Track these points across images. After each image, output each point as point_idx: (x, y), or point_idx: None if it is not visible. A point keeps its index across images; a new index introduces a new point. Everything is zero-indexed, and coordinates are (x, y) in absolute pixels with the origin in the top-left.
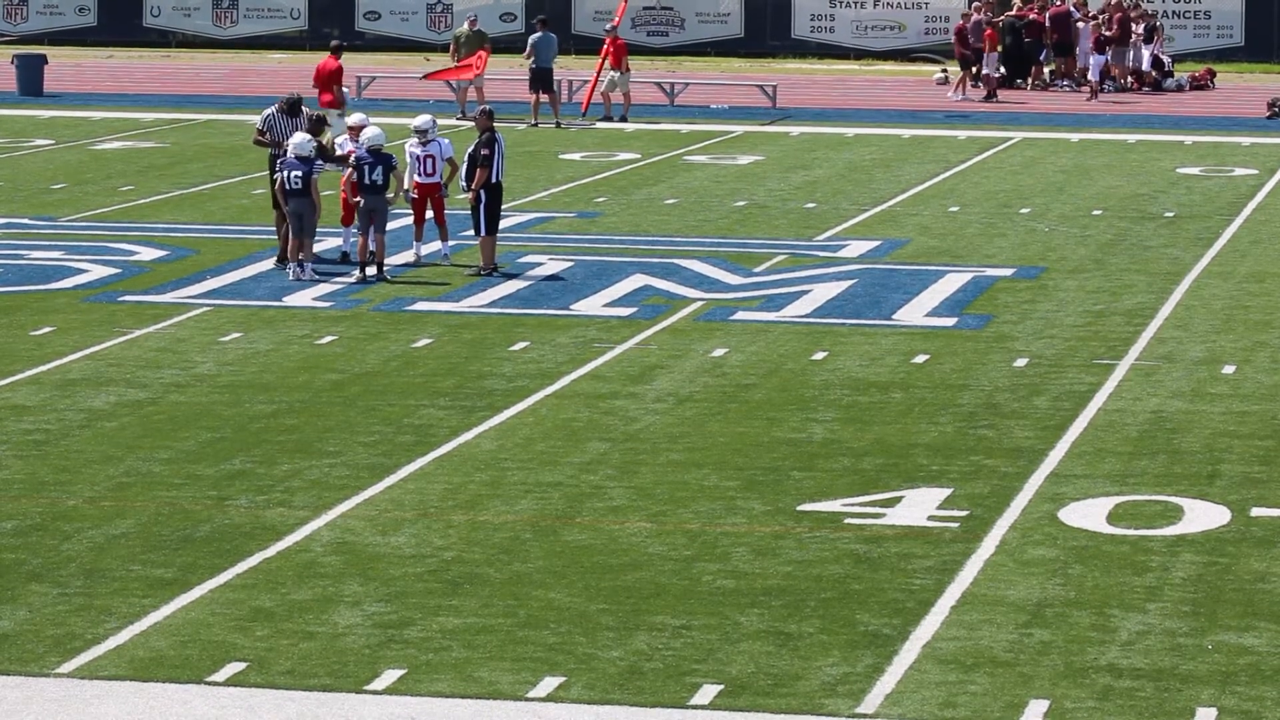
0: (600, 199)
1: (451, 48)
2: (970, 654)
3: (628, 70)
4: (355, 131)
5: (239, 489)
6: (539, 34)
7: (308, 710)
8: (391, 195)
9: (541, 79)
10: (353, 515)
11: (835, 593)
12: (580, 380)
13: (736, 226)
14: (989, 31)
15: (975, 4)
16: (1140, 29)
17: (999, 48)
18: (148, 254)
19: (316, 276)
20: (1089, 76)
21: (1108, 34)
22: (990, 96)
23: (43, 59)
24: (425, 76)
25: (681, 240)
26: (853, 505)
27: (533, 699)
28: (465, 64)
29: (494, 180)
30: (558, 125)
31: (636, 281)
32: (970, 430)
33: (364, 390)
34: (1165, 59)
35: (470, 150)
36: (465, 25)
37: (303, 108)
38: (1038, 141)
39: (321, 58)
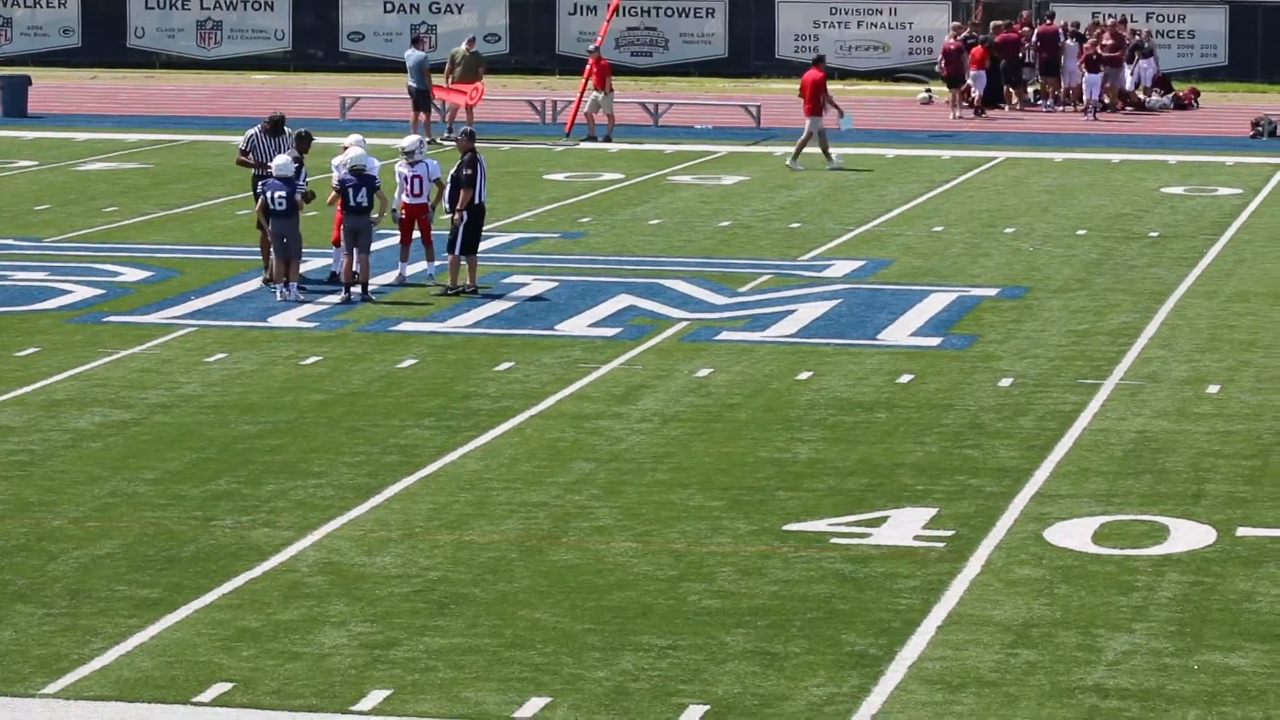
0: (584, 219)
1: (447, 67)
2: (956, 674)
3: (611, 90)
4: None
5: (224, 509)
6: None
7: None
8: (376, 215)
9: (415, 97)
10: (338, 535)
11: (821, 613)
12: (565, 400)
13: (721, 246)
14: (976, 49)
15: (954, 24)
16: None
17: (984, 67)
18: (132, 275)
19: (302, 297)
20: (1085, 95)
21: (1104, 53)
22: (978, 114)
23: (27, 80)
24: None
25: (666, 260)
26: (838, 525)
27: (519, 719)
28: (459, 88)
29: (477, 201)
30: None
31: (621, 302)
32: (955, 450)
33: (349, 410)
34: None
35: (453, 172)
36: (463, 46)
37: (285, 127)
38: (1022, 161)
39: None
